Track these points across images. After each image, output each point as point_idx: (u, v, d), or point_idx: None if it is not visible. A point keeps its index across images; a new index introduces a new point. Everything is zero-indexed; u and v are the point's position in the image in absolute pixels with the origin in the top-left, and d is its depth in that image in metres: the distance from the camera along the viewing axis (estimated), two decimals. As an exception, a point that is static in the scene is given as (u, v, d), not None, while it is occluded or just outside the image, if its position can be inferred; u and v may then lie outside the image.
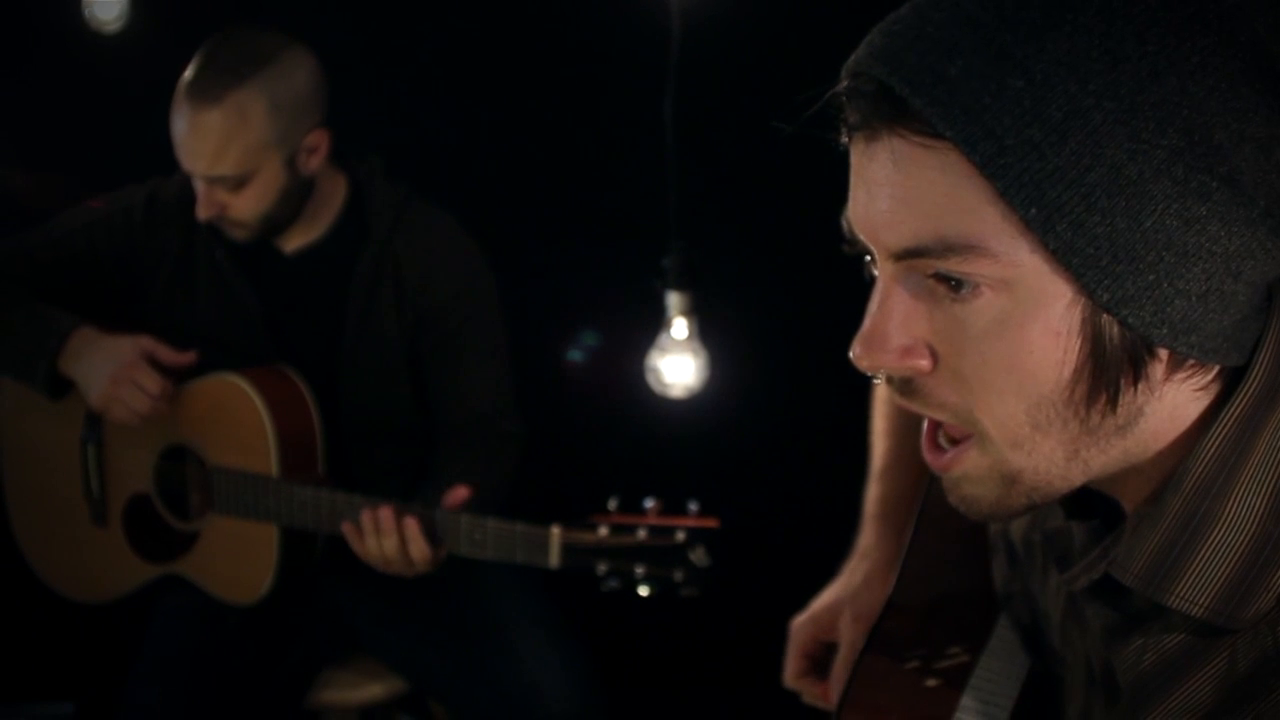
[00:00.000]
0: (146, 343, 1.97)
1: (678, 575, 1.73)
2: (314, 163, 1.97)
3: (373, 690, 2.11)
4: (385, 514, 1.82)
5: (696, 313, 2.31)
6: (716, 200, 2.60)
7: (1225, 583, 0.73)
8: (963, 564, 1.06)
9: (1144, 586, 0.75)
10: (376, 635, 2.11)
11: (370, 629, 2.11)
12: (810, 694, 1.25)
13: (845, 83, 0.74)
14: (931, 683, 0.97)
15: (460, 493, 1.86)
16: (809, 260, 2.65)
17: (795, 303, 2.67)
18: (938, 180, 0.70)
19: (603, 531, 1.75)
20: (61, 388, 2.00)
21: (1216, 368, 0.74)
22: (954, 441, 0.78)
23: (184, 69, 1.93)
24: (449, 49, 2.71)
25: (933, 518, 1.08)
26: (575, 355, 2.83)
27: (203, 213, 1.91)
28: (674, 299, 2.30)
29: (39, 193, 2.65)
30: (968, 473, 0.78)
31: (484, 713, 2.02)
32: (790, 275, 2.67)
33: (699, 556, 1.72)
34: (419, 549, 1.83)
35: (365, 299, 2.03)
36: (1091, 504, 0.84)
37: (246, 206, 1.92)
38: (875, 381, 0.79)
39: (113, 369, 1.93)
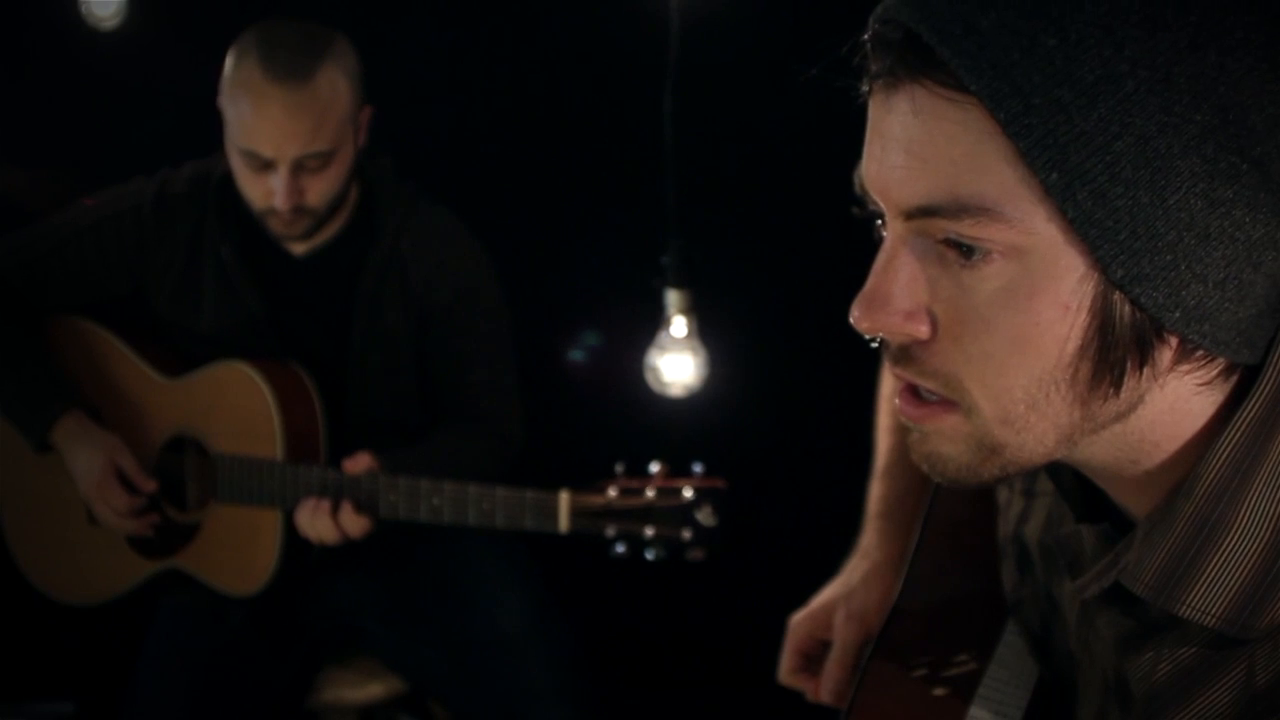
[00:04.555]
0: (115, 456, 1.98)
1: (685, 534, 1.74)
2: (363, 138, 2.00)
3: (372, 690, 2.11)
4: (324, 505, 1.86)
5: (695, 311, 2.30)
6: (715, 198, 2.60)
7: (1239, 592, 0.71)
8: (970, 569, 1.05)
9: (1155, 596, 0.74)
10: (377, 635, 2.11)
11: (371, 629, 2.11)
12: (804, 690, 1.24)
13: (872, 29, 0.71)
14: (939, 691, 0.96)
15: (363, 459, 1.87)
16: (808, 257, 2.66)
17: (794, 300, 2.67)
18: (957, 136, 0.68)
19: (611, 493, 1.76)
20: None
21: (1222, 364, 0.72)
22: (935, 396, 0.75)
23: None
24: (447, 46, 2.71)
25: (939, 521, 1.07)
26: (577, 355, 2.83)
27: (285, 201, 1.88)
28: (673, 297, 2.29)
29: (35, 190, 2.65)
30: (943, 430, 0.75)
31: (483, 714, 2.02)
32: (789, 273, 2.67)
33: (706, 515, 1.73)
34: (351, 523, 1.86)
35: (373, 299, 2.03)
36: (1101, 507, 0.83)
37: (325, 189, 1.92)
38: (872, 345, 0.77)
39: (87, 484, 1.98)
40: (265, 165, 1.88)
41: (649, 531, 1.75)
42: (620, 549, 1.77)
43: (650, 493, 1.75)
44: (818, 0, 2.36)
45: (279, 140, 1.86)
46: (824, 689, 1.18)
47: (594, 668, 2.06)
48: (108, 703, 2.27)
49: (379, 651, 2.12)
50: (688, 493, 1.74)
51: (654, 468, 1.79)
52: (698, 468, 1.77)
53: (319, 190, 1.91)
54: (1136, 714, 0.77)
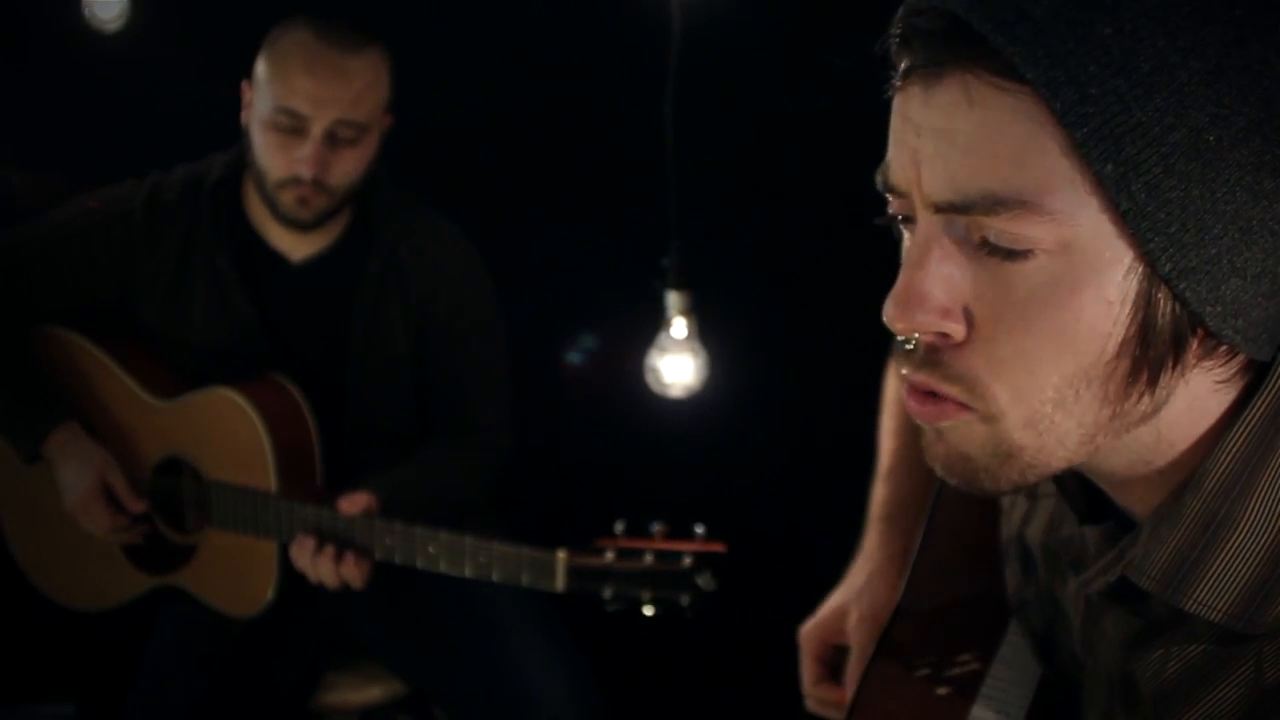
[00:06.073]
0: (105, 472, 1.98)
1: (684, 599, 1.72)
2: (380, 138, 2.01)
3: (373, 692, 2.11)
4: (328, 550, 1.85)
5: (696, 312, 2.31)
6: (716, 199, 2.60)
7: (1245, 587, 0.71)
8: (972, 570, 1.05)
9: (1161, 590, 0.74)
10: (379, 640, 2.10)
11: (373, 634, 2.11)
12: (831, 699, 1.23)
13: (906, 22, 0.69)
14: (942, 691, 0.97)
15: (360, 499, 1.86)
16: (808, 258, 2.66)
17: (795, 302, 2.67)
18: (1008, 127, 0.66)
19: (609, 556, 1.74)
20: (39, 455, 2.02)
21: (1240, 362, 0.72)
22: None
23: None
24: (447, 47, 2.71)
25: (942, 523, 1.07)
26: (574, 357, 2.83)
27: (310, 168, 1.88)
28: (673, 298, 2.29)
29: (37, 192, 2.65)
30: (957, 429, 0.74)
31: (484, 718, 2.02)
32: (789, 274, 2.67)
33: (705, 581, 1.70)
34: (352, 574, 1.86)
35: (373, 308, 2.03)
36: (1103, 508, 0.82)
37: (348, 169, 1.93)
38: (906, 347, 0.74)
39: (71, 498, 1.97)
40: (298, 129, 1.88)
41: (646, 594, 1.73)
42: (617, 605, 1.75)
43: (649, 558, 1.73)
44: (819, 2, 2.37)
45: (322, 99, 1.87)
46: (850, 695, 1.18)
47: (596, 673, 2.06)
48: (109, 705, 2.27)
49: (381, 656, 2.12)
50: (687, 560, 1.71)
51: (655, 527, 1.76)
52: (699, 529, 1.74)
53: (342, 169, 1.92)
54: (1144, 713, 0.77)
